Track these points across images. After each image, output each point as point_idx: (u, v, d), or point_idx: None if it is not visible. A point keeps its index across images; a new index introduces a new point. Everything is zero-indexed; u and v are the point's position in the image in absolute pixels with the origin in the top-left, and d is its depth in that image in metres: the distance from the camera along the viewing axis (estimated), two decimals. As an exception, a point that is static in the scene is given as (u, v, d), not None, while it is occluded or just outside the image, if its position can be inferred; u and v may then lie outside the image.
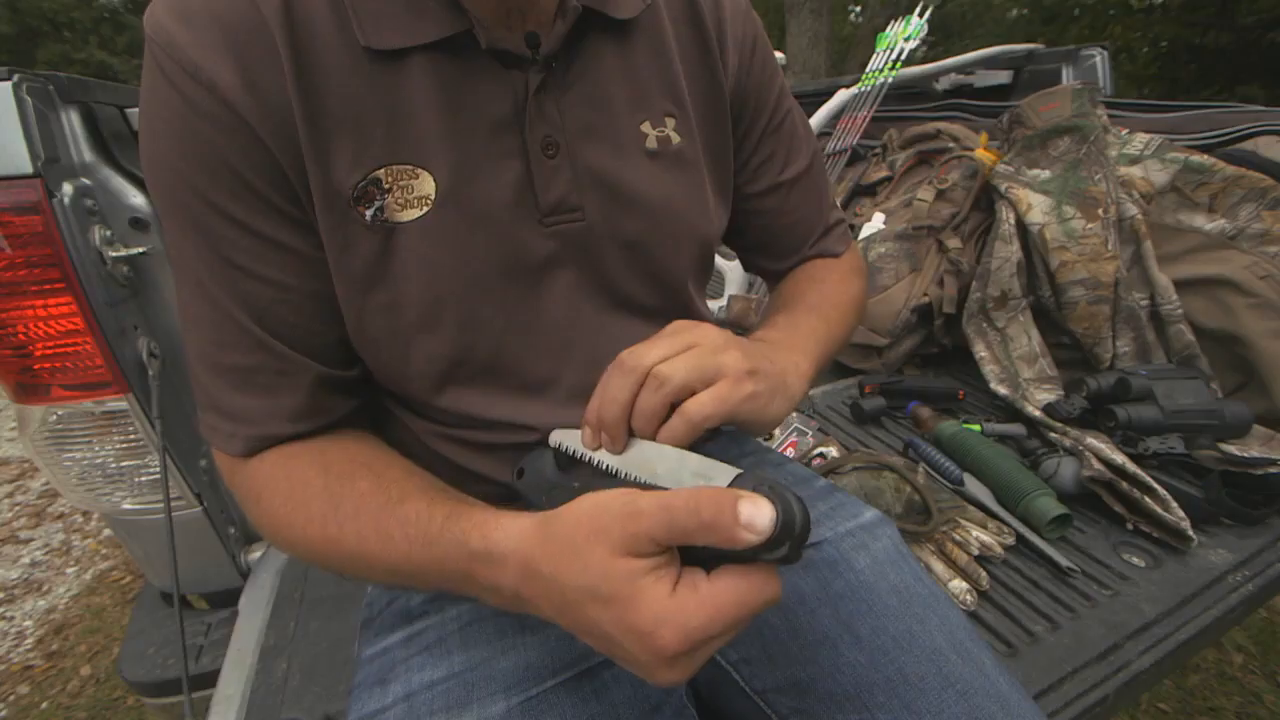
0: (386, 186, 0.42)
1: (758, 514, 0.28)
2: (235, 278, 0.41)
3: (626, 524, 0.30)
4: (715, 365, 0.40)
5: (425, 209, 0.42)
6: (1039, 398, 1.09)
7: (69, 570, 2.02)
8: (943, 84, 1.95)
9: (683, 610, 0.29)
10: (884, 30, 1.81)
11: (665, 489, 0.33)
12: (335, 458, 0.45)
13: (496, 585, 0.36)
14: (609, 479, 0.41)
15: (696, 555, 0.31)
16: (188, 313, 0.43)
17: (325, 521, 0.41)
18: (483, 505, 0.40)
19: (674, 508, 0.29)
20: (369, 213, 0.42)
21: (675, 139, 0.51)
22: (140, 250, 0.81)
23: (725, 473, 0.33)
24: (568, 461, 0.45)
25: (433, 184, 0.42)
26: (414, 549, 0.38)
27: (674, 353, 0.41)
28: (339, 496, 0.42)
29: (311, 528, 0.42)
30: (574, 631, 0.34)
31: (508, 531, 0.35)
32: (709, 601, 0.29)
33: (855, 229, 1.43)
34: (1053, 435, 1.00)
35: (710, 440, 0.68)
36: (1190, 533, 0.81)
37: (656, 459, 0.38)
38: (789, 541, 0.28)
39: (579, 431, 0.44)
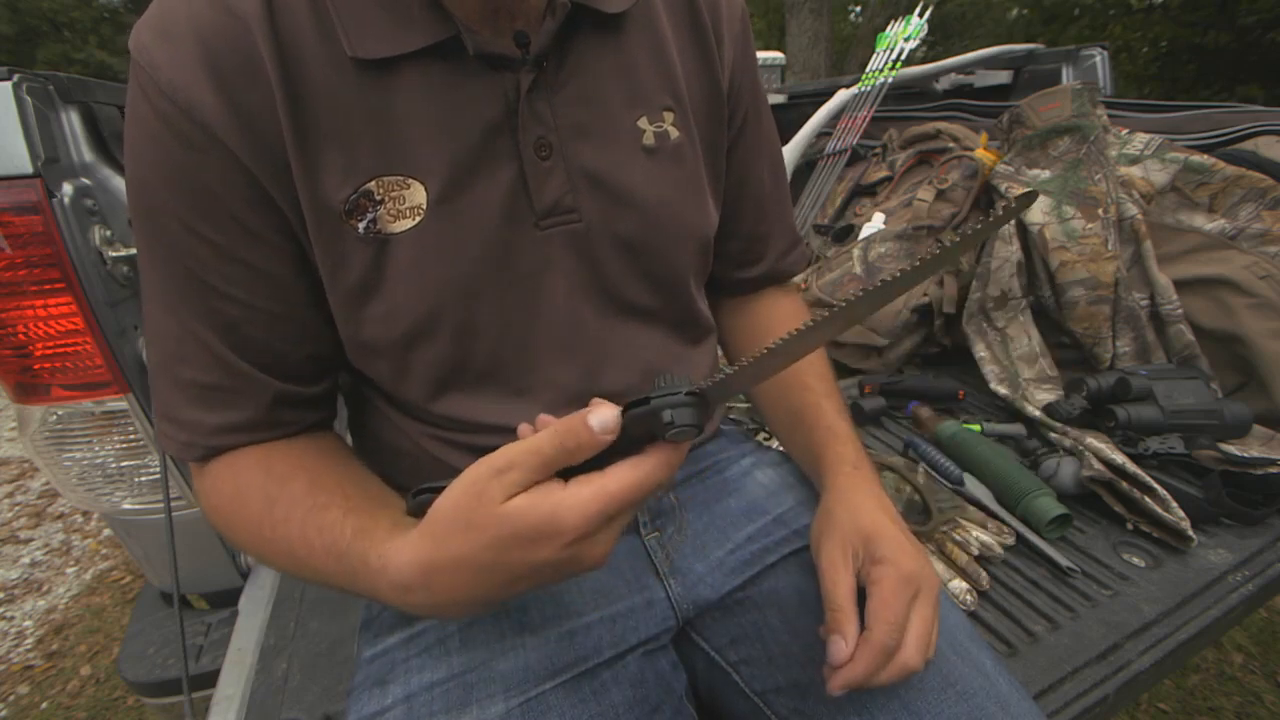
0: (379, 198, 0.41)
1: (604, 416, 0.32)
2: (204, 294, 0.41)
3: (503, 479, 0.32)
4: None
5: (418, 219, 0.42)
6: (1039, 398, 1.09)
7: (69, 570, 2.02)
8: (943, 84, 1.95)
9: (575, 495, 0.32)
10: (884, 30, 1.81)
11: None
12: (278, 459, 0.46)
13: (404, 601, 0.36)
14: None
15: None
16: (152, 324, 0.44)
17: (260, 523, 0.42)
18: (393, 516, 0.40)
19: (542, 449, 0.32)
20: (361, 225, 0.41)
21: (674, 134, 0.50)
22: (140, 250, 0.81)
23: None
24: None
25: (424, 193, 0.42)
26: (328, 560, 0.39)
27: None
28: (274, 499, 0.42)
29: (251, 528, 0.43)
30: (495, 599, 0.35)
31: (400, 546, 0.36)
32: (599, 483, 0.32)
33: (855, 229, 1.43)
34: (1053, 435, 1.00)
35: (711, 440, 0.68)
36: (1190, 533, 0.81)
37: None
38: (666, 415, 0.32)
39: None
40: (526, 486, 0.32)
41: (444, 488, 0.35)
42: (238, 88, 0.37)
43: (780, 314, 0.65)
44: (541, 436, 0.32)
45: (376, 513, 0.40)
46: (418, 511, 0.37)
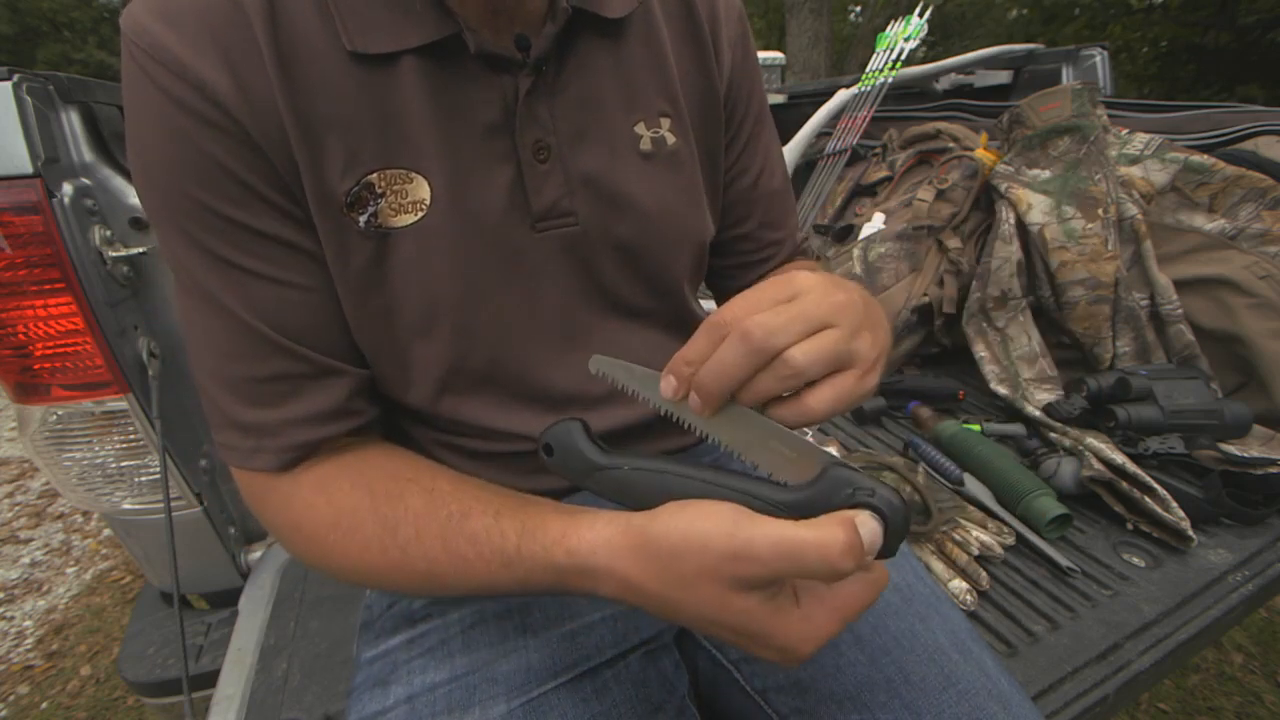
0: (380, 191, 0.41)
1: (875, 538, 0.30)
2: (245, 282, 0.40)
3: (738, 567, 0.30)
4: (849, 355, 0.34)
5: (420, 214, 0.42)
6: (1039, 398, 1.09)
7: (69, 570, 2.02)
8: (943, 84, 1.95)
9: (815, 625, 0.32)
10: (884, 30, 1.81)
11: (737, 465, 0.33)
12: (376, 477, 0.43)
13: (593, 592, 0.36)
14: (661, 457, 0.37)
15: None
16: (194, 327, 0.41)
17: (385, 547, 0.40)
18: (552, 509, 0.38)
19: (805, 560, 0.29)
20: (362, 219, 0.41)
21: (670, 139, 0.50)
22: (140, 250, 0.81)
23: (815, 456, 0.33)
24: (595, 438, 0.39)
25: (428, 189, 0.42)
26: (493, 570, 0.37)
27: (807, 332, 0.33)
28: (394, 520, 0.40)
29: (370, 554, 0.40)
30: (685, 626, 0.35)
31: (593, 544, 0.34)
32: (837, 609, 0.32)
33: (855, 229, 1.43)
34: (1053, 435, 1.00)
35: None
36: (1190, 533, 0.81)
37: (740, 423, 0.35)
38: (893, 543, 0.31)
39: (626, 365, 0.38)
40: (762, 584, 0.31)
41: (577, 425, 0.36)
42: (244, 70, 0.37)
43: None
44: (805, 545, 0.29)
45: (528, 510, 0.39)
46: (563, 454, 0.36)
